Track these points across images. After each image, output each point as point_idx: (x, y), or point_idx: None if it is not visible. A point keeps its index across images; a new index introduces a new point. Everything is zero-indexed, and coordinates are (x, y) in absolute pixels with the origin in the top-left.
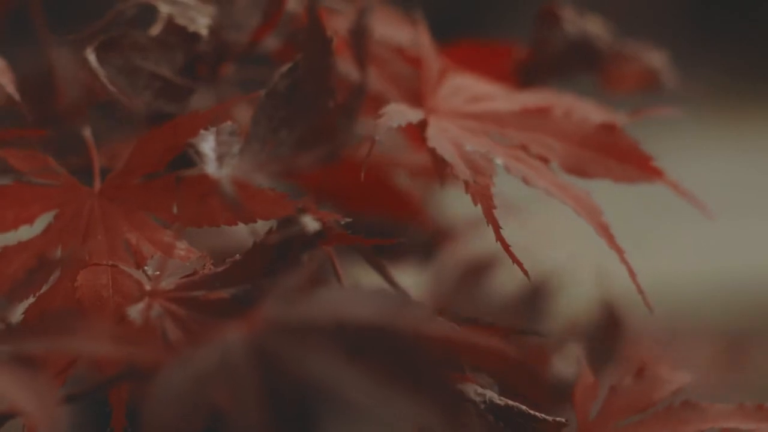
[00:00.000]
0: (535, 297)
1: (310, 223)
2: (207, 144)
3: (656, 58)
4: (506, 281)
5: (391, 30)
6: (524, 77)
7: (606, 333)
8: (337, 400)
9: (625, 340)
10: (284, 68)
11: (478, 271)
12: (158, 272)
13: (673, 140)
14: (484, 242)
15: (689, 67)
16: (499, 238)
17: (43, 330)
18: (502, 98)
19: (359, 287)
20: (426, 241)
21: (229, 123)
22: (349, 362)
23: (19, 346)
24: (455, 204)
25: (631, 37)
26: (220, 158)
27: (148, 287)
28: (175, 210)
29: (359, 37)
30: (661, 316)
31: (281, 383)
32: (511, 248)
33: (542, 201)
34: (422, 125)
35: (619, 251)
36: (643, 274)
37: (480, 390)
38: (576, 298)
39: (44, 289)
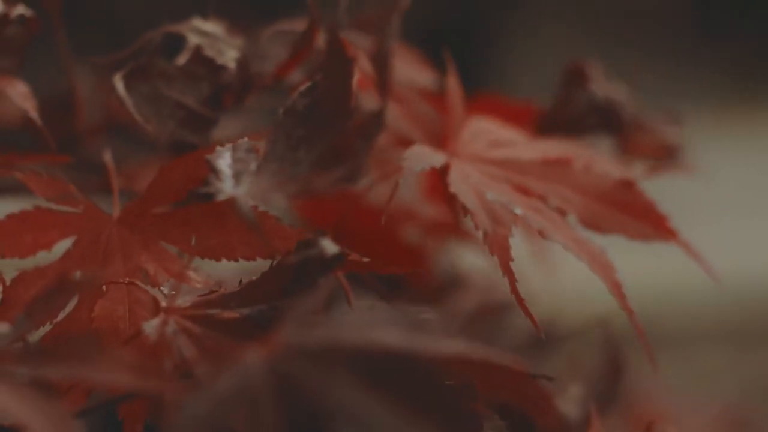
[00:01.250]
0: (540, 344)
1: (329, 246)
2: (223, 161)
3: (674, 133)
4: (510, 329)
5: (415, 72)
6: (544, 133)
7: (608, 375)
8: (356, 426)
9: (627, 382)
10: (303, 87)
11: (482, 318)
12: (174, 292)
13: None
14: (489, 295)
15: (691, 67)
16: (514, 291)
17: (58, 354)
18: (523, 146)
19: (377, 308)
20: (431, 295)
21: (245, 140)
22: (368, 388)
23: (34, 369)
24: (463, 254)
25: (640, 50)
26: (237, 176)
27: (164, 304)
28: (193, 242)
29: (380, 61)
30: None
31: (300, 408)
32: (524, 302)
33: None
34: (444, 169)
35: (630, 312)
36: (651, 275)
37: (496, 424)
38: (580, 339)
39: (61, 316)
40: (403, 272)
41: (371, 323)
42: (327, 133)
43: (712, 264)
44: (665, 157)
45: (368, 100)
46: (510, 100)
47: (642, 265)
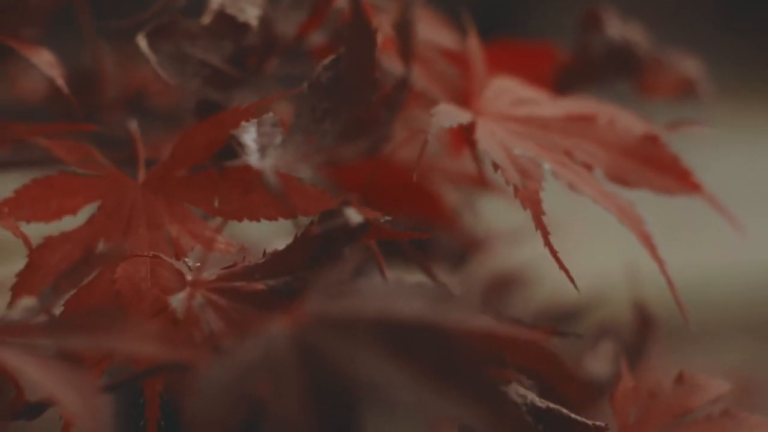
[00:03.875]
0: (564, 312)
1: (353, 215)
2: (249, 135)
3: (693, 67)
4: (534, 295)
5: (435, 33)
6: (563, 80)
7: (637, 334)
8: (380, 396)
9: (656, 341)
10: (328, 60)
11: (506, 283)
12: (199, 264)
13: (695, 134)
14: (515, 255)
15: (711, 59)
16: (548, 244)
17: (84, 326)
18: (546, 103)
19: (403, 280)
20: (457, 248)
21: (270, 114)
22: (394, 358)
23: (60, 341)
24: (489, 212)
25: (658, 34)
26: (263, 149)
27: (189, 277)
28: (216, 203)
29: (404, 30)
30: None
31: (324, 378)
32: (558, 254)
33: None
34: (471, 127)
35: (660, 262)
36: (677, 267)
37: (522, 391)
38: (608, 299)
39: (85, 281)
40: (431, 234)
41: (397, 295)
42: (352, 104)
43: (737, 256)
44: (686, 91)
45: (392, 64)
46: (529, 44)
47: (674, 259)
